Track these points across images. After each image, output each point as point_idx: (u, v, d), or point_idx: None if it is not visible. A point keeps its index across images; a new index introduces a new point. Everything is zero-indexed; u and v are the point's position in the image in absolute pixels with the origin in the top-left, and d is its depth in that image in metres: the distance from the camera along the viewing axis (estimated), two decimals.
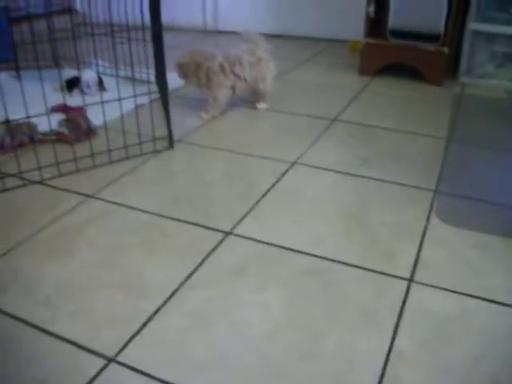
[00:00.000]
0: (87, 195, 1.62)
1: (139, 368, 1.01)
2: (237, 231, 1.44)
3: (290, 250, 1.37)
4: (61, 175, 1.74)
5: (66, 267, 1.30)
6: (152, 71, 2.60)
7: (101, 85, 2.56)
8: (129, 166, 1.81)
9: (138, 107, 1.97)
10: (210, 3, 3.97)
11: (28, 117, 1.68)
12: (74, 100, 2.22)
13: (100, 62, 2.85)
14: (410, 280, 1.26)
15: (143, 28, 2.08)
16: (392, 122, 2.20)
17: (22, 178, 1.71)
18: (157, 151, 1.90)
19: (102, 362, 1.03)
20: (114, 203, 1.58)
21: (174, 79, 2.28)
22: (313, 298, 1.20)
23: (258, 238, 1.41)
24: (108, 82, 2.57)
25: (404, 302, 1.19)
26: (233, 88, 2.23)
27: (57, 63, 2.89)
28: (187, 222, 1.48)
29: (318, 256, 1.34)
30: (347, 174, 1.76)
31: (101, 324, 1.12)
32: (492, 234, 1.45)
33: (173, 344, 1.07)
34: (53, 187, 1.68)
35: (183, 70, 2.22)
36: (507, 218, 1.54)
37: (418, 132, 2.10)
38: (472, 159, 1.89)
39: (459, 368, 1.02)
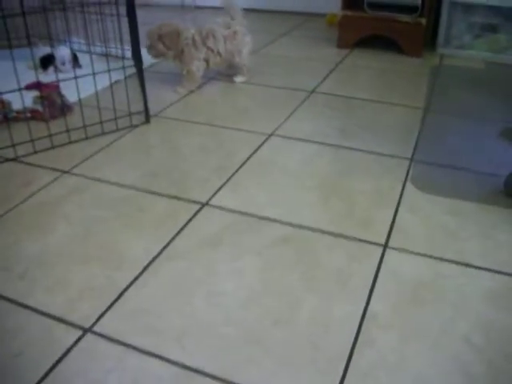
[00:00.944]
0: (63, 171, 1.61)
1: (115, 337, 1.02)
2: (213, 202, 1.44)
3: (266, 219, 1.37)
4: (36, 152, 1.72)
5: (41, 242, 1.29)
6: (128, 47, 2.57)
7: (76, 61, 2.53)
8: (105, 141, 1.79)
9: (113, 83, 1.95)
10: None
11: (0, 93, 1.66)
12: (48, 78, 2.19)
13: (75, 38, 2.81)
14: (385, 246, 1.27)
15: (117, 2, 2.05)
16: (370, 93, 2.20)
17: None
18: (133, 126, 1.89)
19: (78, 333, 1.03)
20: (89, 178, 1.57)
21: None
22: (288, 266, 1.20)
23: (233, 209, 1.41)
24: (83, 58, 2.53)
25: (379, 267, 1.20)
26: (206, 61, 2.22)
27: (30, 41, 2.85)
28: (164, 195, 1.48)
29: (293, 225, 1.35)
30: (324, 144, 1.76)
31: (77, 296, 1.12)
32: (467, 201, 1.46)
33: (149, 313, 1.07)
34: (28, 164, 1.67)
35: (167, 40, 2.18)
36: (481, 184, 1.55)
37: (395, 103, 2.10)
38: (448, 129, 1.90)
39: (432, 330, 1.04)
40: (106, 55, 2.07)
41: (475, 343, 1.01)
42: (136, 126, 1.90)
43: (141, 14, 1.85)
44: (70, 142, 1.77)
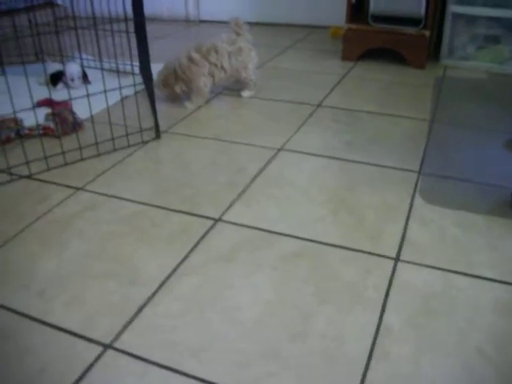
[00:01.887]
0: (76, 188, 1.64)
1: (136, 353, 1.04)
2: (225, 218, 1.46)
3: (279, 233, 1.39)
4: (49, 169, 1.75)
5: (58, 258, 1.32)
6: (136, 63, 2.61)
7: (85, 78, 2.56)
8: (117, 157, 1.82)
9: (123, 99, 1.98)
10: None
11: (14, 112, 1.69)
12: (58, 94, 2.23)
13: (83, 55, 2.85)
14: (397, 259, 1.29)
15: (126, 19, 2.09)
16: (376, 105, 2.23)
17: (11, 174, 1.72)
18: (144, 142, 1.92)
19: (99, 349, 1.05)
20: (103, 195, 1.60)
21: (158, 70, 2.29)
22: (302, 280, 1.23)
23: (246, 224, 1.43)
24: (92, 74, 2.57)
25: (391, 280, 1.22)
26: (211, 76, 2.25)
27: (39, 57, 2.89)
28: (176, 211, 1.50)
29: (305, 239, 1.37)
30: (333, 158, 1.79)
31: (96, 312, 1.14)
32: (475, 213, 1.48)
33: (167, 329, 1.09)
34: (42, 181, 1.69)
35: (166, 82, 2.26)
36: (488, 196, 1.57)
37: (401, 115, 2.13)
38: (454, 140, 1.92)
39: (445, 342, 1.06)
40: (117, 71, 2.10)
41: (488, 354, 1.03)
42: (147, 142, 1.92)
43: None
44: (83, 159, 1.80)
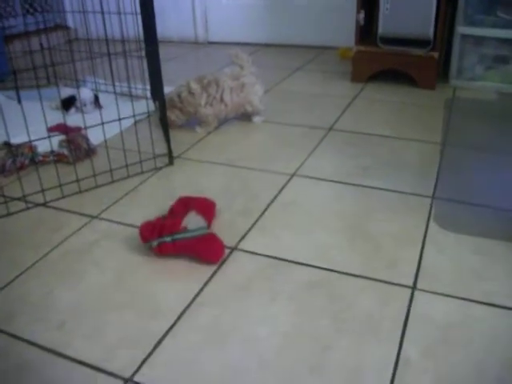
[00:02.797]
0: (91, 216, 1.65)
1: None
2: (241, 246, 1.47)
3: (295, 262, 1.40)
4: (64, 197, 1.76)
5: (76, 290, 1.32)
6: (147, 86, 2.63)
7: (97, 102, 2.59)
8: (131, 184, 1.83)
9: (136, 123, 1.99)
10: (200, 15, 4.00)
11: (30, 141, 1.71)
12: (71, 118, 2.25)
13: (94, 78, 2.88)
14: (414, 288, 1.29)
15: (139, 43, 2.12)
16: (387, 128, 2.24)
17: (26, 202, 1.73)
18: (157, 168, 1.93)
19: (119, 383, 1.05)
20: (118, 223, 1.61)
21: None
22: (319, 310, 1.23)
23: (262, 252, 1.44)
24: (103, 98, 2.59)
25: (408, 309, 1.22)
26: (210, 106, 2.26)
27: (50, 81, 2.92)
28: None
29: (322, 268, 1.37)
30: (346, 183, 1.79)
31: (115, 345, 1.14)
32: (491, 239, 1.48)
33: (187, 361, 1.10)
34: (57, 209, 1.71)
35: (173, 114, 2.29)
36: (505, 221, 1.57)
37: (413, 138, 2.14)
38: (466, 163, 1.93)
39: (465, 373, 1.06)
40: (131, 95, 2.12)
41: None
42: (160, 168, 1.94)
43: None
44: (97, 186, 1.82)
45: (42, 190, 1.74)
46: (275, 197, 1.72)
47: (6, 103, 2.54)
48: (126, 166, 1.87)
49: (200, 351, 1.12)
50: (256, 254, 1.43)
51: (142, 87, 2.58)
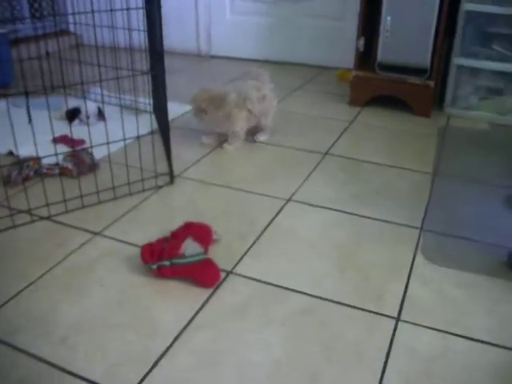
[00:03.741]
0: (94, 232, 1.72)
1: None
2: (237, 271, 1.54)
3: (287, 289, 1.47)
4: (67, 211, 1.83)
5: (79, 306, 1.39)
6: (149, 101, 2.70)
7: (100, 115, 2.65)
8: (132, 202, 1.90)
9: (139, 138, 2.04)
10: (203, 28, 4.07)
11: (38, 158, 1.78)
12: (75, 130, 2.28)
13: (97, 90, 2.94)
14: (398, 319, 1.37)
15: (146, 55, 2.17)
16: (381, 156, 2.32)
17: (31, 214, 1.80)
18: (158, 187, 2.00)
19: None
20: (119, 241, 1.68)
21: (172, 109, 2.35)
22: (310, 337, 1.30)
23: (257, 278, 1.51)
24: (106, 110, 2.64)
25: (391, 340, 1.30)
26: (247, 121, 2.36)
27: (54, 90, 2.97)
28: None
29: (313, 295, 1.45)
30: (338, 211, 1.87)
31: (116, 363, 1.22)
32: (473, 273, 1.56)
33: (183, 382, 1.17)
34: (60, 223, 1.77)
35: (216, 103, 2.29)
36: (489, 255, 1.65)
37: (405, 167, 2.22)
38: (456, 195, 2.01)
39: None
40: (136, 110, 2.19)
41: None
42: (160, 186, 2.01)
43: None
44: (100, 202, 1.88)
45: (47, 204, 1.81)
46: (270, 222, 1.79)
47: (11, 111, 2.58)
48: (128, 183, 1.94)
49: (196, 373, 1.20)
50: (251, 278, 1.51)
51: (144, 102, 2.65)
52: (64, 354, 1.24)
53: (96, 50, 2.10)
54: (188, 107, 2.86)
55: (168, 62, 1.92)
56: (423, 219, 1.83)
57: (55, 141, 2.19)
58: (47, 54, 2.93)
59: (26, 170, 2.03)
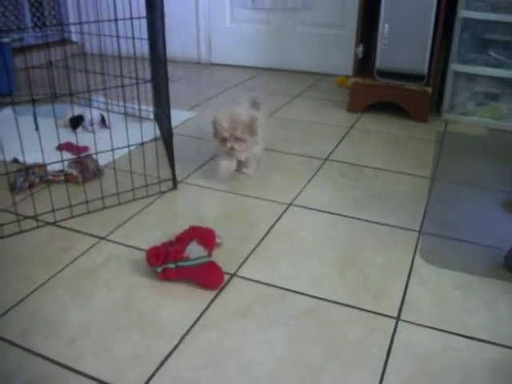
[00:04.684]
0: (99, 237, 1.76)
1: None
2: (240, 273, 1.58)
3: (289, 290, 1.51)
4: (73, 216, 1.87)
5: (86, 309, 1.43)
6: (151, 108, 2.75)
7: (103, 122, 2.70)
8: (136, 207, 1.94)
9: (140, 145, 2.08)
10: (203, 36, 4.12)
11: (45, 164, 1.82)
12: (78, 137, 2.32)
13: (100, 97, 2.98)
14: (397, 319, 1.40)
15: (151, 65, 2.20)
16: (380, 161, 2.36)
17: (37, 220, 1.83)
18: (161, 192, 2.04)
19: None
20: (124, 245, 1.71)
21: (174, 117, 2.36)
22: (311, 337, 1.34)
23: (259, 280, 1.55)
24: (108, 118, 2.68)
25: (392, 339, 1.33)
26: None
27: (57, 98, 3.02)
28: None
29: (314, 296, 1.48)
30: (339, 214, 1.91)
31: (123, 363, 1.25)
32: (471, 274, 1.60)
33: (189, 381, 1.20)
34: (66, 228, 1.81)
35: (250, 129, 2.05)
36: (485, 257, 1.69)
37: (403, 171, 2.26)
38: (453, 199, 2.04)
39: None
40: (140, 117, 2.22)
41: None
42: (164, 192, 2.05)
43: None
44: (104, 208, 1.92)
45: (53, 210, 1.85)
46: (272, 226, 1.83)
47: (14, 119, 2.61)
48: (133, 189, 1.98)
49: (201, 373, 1.23)
50: (253, 280, 1.55)
51: (146, 109, 2.70)
52: (72, 355, 1.28)
53: (100, 59, 2.14)
54: (189, 114, 2.92)
55: (169, 70, 1.96)
56: (422, 222, 1.86)
57: (60, 148, 2.23)
58: (50, 63, 2.98)
59: (31, 177, 2.07)
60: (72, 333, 1.34)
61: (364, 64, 3.05)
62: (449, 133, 2.76)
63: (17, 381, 1.21)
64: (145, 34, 2.40)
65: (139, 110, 2.30)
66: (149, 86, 2.49)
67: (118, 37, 1.97)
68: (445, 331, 1.37)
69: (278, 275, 1.57)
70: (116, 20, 1.90)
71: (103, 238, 1.75)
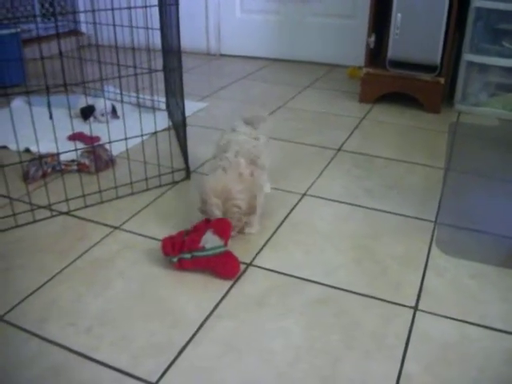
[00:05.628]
0: (113, 227, 1.75)
1: None
2: (256, 263, 1.57)
3: (306, 280, 1.50)
4: (87, 206, 1.86)
5: (102, 298, 1.43)
6: (162, 99, 2.74)
7: (114, 112, 2.69)
8: (149, 197, 1.94)
9: (156, 134, 2.08)
10: (213, 27, 4.11)
11: (58, 153, 1.82)
12: (89, 127, 2.33)
13: (111, 87, 2.98)
14: (415, 308, 1.40)
15: (163, 55, 2.19)
16: (393, 151, 2.34)
17: (51, 210, 1.83)
18: (175, 182, 2.03)
19: None
20: (138, 234, 1.71)
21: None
22: (329, 326, 1.33)
23: (275, 269, 1.54)
24: (119, 108, 2.68)
25: (410, 328, 1.33)
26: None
27: (68, 88, 3.01)
28: None
29: (330, 286, 1.48)
30: (353, 205, 1.90)
31: (141, 352, 1.25)
32: (489, 264, 1.59)
33: (207, 370, 1.20)
34: (80, 218, 1.81)
35: (250, 207, 1.66)
36: (502, 248, 1.68)
37: (417, 162, 2.24)
38: (468, 189, 2.03)
39: None
40: (152, 107, 2.20)
41: None
42: (177, 182, 2.04)
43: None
44: (118, 197, 1.92)
45: (67, 200, 1.85)
46: (287, 216, 1.82)
47: (24, 108, 2.61)
48: (146, 179, 1.98)
49: (219, 361, 1.23)
50: (270, 270, 1.54)
51: (158, 100, 2.69)
52: (90, 344, 1.27)
53: (113, 49, 2.13)
54: (201, 104, 2.91)
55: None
56: (437, 213, 1.85)
57: (71, 138, 2.23)
58: (60, 53, 2.97)
59: (44, 167, 2.07)
60: (88, 321, 1.34)
61: (376, 54, 3.03)
62: (461, 123, 2.74)
63: (34, 369, 1.20)
64: (155, 24, 2.39)
65: (152, 100, 2.29)
66: (159, 77, 2.47)
67: (131, 27, 1.97)
68: (462, 321, 1.36)
69: (294, 264, 1.57)
70: (130, 8, 1.89)
71: (117, 228, 1.75)
